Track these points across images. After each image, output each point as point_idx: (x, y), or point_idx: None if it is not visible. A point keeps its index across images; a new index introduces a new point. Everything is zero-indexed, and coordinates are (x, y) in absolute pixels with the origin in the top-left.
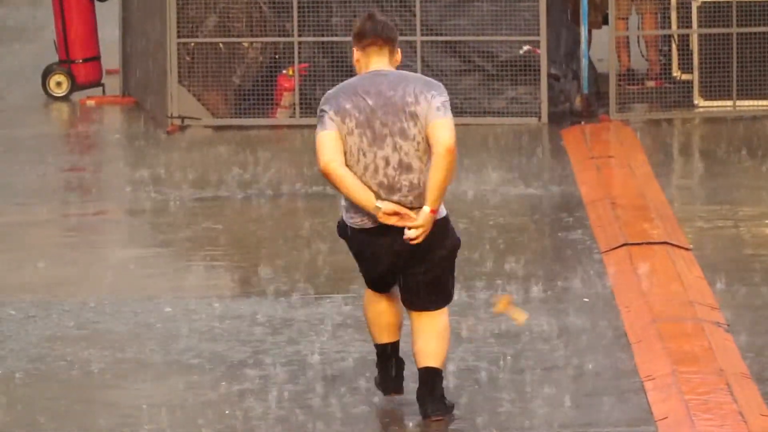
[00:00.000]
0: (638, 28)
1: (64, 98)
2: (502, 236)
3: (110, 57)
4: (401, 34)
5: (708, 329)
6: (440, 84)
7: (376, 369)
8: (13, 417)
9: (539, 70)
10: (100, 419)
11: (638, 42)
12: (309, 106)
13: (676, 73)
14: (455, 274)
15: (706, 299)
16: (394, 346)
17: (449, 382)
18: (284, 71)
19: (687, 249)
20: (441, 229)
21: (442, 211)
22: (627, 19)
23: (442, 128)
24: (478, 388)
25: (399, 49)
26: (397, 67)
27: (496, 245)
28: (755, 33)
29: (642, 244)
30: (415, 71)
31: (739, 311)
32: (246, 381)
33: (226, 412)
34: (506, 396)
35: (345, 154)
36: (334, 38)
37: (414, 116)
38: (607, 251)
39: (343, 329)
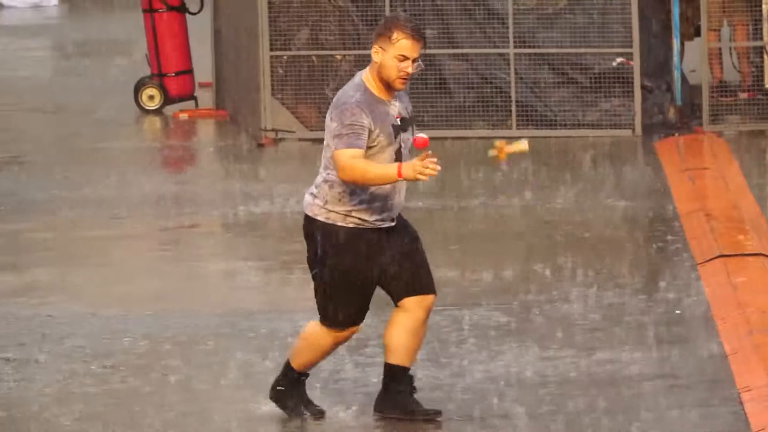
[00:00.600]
0: (730, 39)
1: (157, 111)
2: (598, 247)
3: (203, 70)
4: (494, 47)
5: None
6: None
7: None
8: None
9: (632, 82)
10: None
11: (730, 53)
12: None
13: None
14: None
15: None
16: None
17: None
18: None
19: None
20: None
21: None
22: (719, 30)
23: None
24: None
25: (374, 48)
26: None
27: (592, 256)
28: None
29: (737, 255)
30: (509, 84)
31: None
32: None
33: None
34: (602, 404)
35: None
36: (427, 50)
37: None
38: (703, 263)
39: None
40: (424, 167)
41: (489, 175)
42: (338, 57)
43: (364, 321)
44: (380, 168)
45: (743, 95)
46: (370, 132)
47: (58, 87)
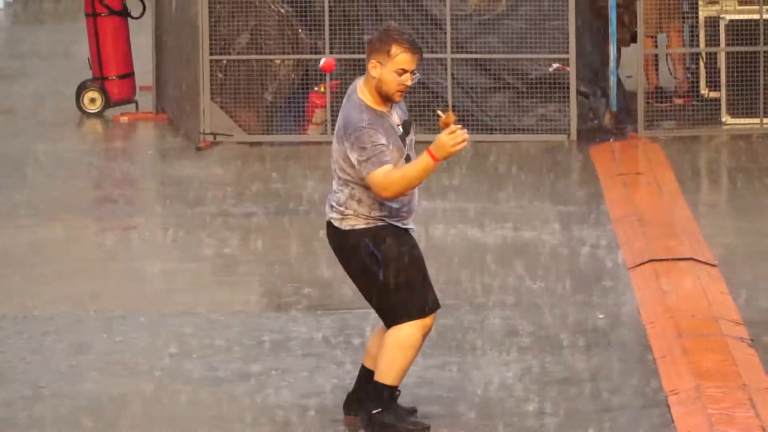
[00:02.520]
0: (666, 46)
1: (98, 114)
2: (530, 250)
3: (144, 74)
4: (432, 52)
5: (732, 344)
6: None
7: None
8: None
9: (569, 88)
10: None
11: (666, 60)
12: None
13: (703, 90)
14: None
15: (731, 315)
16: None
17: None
18: (316, 88)
19: (712, 265)
20: None
21: None
22: (655, 37)
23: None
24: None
25: (372, 63)
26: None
27: (523, 260)
28: None
29: (668, 260)
30: (446, 89)
31: (763, 326)
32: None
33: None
34: (530, 408)
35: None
36: (364, 55)
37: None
38: (633, 267)
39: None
40: (454, 140)
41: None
42: (277, 62)
43: None
44: (415, 166)
45: (679, 101)
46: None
47: (2, 88)
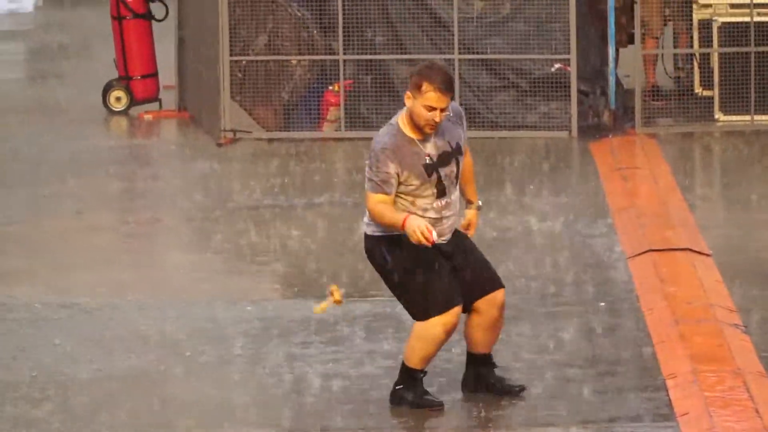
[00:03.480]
0: (661, 47)
1: (123, 113)
2: (532, 240)
3: (167, 74)
4: (440, 53)
5: (726, 330)
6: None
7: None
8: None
9: (570, 87)
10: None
11: (662, 60)
12: (353, 120)
13: (697, 89)
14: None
15: (725, 302)
16: None
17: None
18: (330, 87)
19: (707, 255)
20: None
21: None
22: (658, 38)
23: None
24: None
25: (407, 93)
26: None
27: (525, 249)
28: None
29: (665, 250)
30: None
31: (756, 313)
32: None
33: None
34: (534, 391)
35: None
36: (377, 56)
37: None
38: (633, 257)
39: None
40: (420, 234)
41: None
42: (293, 62)
43: None
44: (391, 216)
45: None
46: (398, 175)
47: (34, 88)
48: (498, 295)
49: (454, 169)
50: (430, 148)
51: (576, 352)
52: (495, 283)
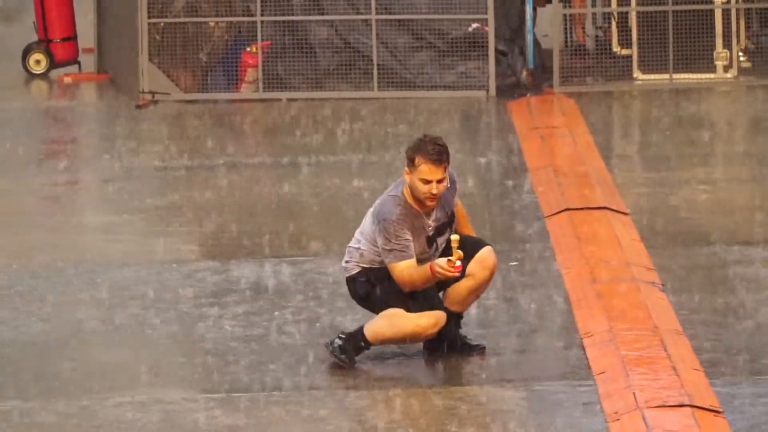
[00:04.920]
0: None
1: (43, 75)
2: None
3: (86, 36)
4: (357, 13)
5: (644, 289)
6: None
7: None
8: None
9: (487, 47)
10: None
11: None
12: (271, 81)
13: (616, 48)
14: None
15: (643, 261)
16: None
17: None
18: (248, 49)
19: (625, 213)
20: None
21: None
22: None
23: None
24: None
25: (405, 169)
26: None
27: None
28: (689, 11)
29: (582, 209)
30: (371, 48)
31: (673, 271)
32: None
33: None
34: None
35: None
36: (294, 17)
37: None
38: (550, 216)
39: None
40: (446, 271)
41: (354, 133)
42: (211, 24)
43: None
44: (420, 276)
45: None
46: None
47: None
48: (489, 255)
49: (447, 236)
50: (432, 221)
51: (492, 311)
52: (482, 243)
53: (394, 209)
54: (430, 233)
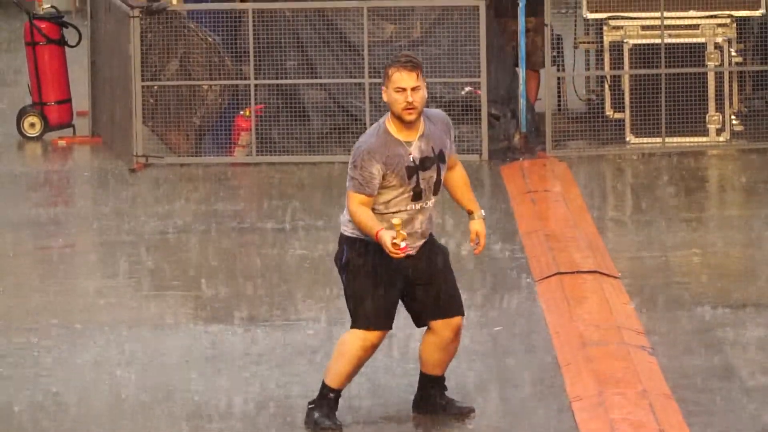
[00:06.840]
0: (573, 69)
1: (38, 138)
2: None
3: (80, 100)
4: (351, 77)
5: (633, 352)
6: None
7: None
8: None
9: (480, 110)
10: None
11: (573, 82)
12: (264, 145)
13: (608, 112)
14: None
15: (633, 324)
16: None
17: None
18: (241, 112)
19: (616, 277)
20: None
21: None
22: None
23: None
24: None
25: (383, 89)
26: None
27: None
28: (682, 74)
29: (573, 272)
30: (364, 112)
31: (663, 336)
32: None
33: None
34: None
35: None
36: (288, 81)
37: None
38: (541, 279)
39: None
40: (390, 249)
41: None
42: (205, 87)
43: None
44: (368, 223)
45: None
46: (384, 176)
47: None
48: (455, 320)
49: (434, 176)
50: (415, 151)
51: (482, 372)
52: (455, 310)
53: (370, 138)
54: (411, 163)
